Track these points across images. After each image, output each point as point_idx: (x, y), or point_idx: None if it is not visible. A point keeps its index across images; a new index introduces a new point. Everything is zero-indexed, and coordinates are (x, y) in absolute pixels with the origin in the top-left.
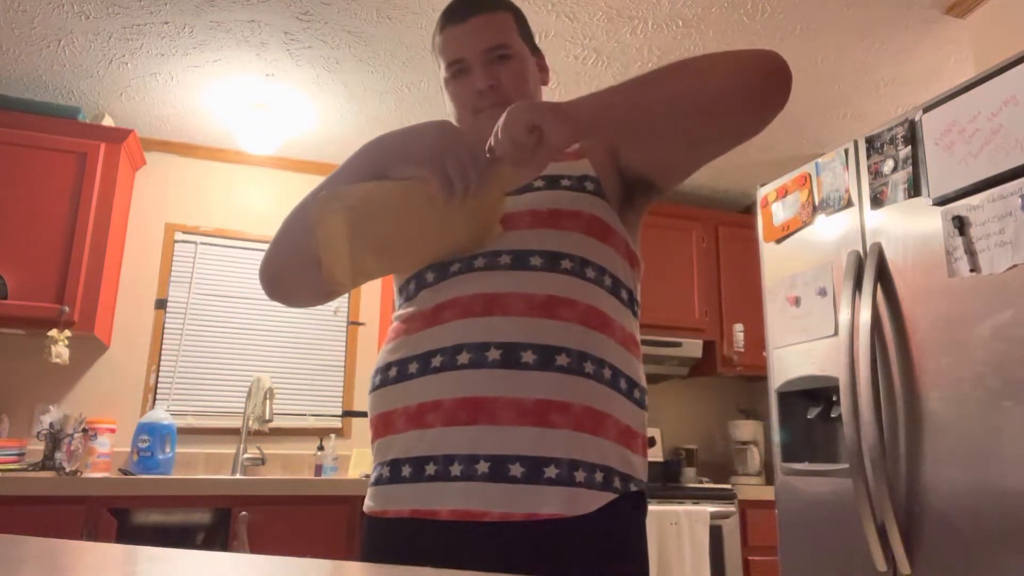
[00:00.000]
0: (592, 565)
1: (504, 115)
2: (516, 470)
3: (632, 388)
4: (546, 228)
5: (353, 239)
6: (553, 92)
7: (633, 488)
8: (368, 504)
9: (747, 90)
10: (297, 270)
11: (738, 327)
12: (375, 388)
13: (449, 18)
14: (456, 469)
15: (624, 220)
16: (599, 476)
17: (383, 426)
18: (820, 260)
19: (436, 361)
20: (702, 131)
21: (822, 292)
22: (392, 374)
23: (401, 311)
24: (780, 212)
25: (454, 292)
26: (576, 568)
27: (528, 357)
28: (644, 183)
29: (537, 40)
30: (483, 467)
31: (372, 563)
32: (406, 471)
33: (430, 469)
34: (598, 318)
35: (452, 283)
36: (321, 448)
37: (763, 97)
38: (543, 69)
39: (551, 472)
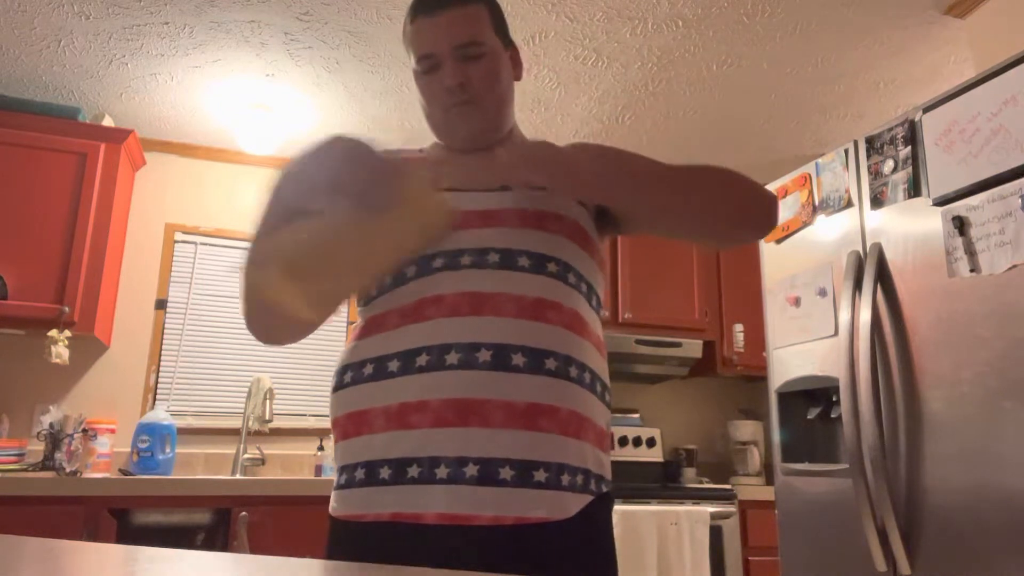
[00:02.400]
0: (574, 567)
1: (513, 154)
2: (506, 473)
3: (604, 391)
4: (532, 229)
5: (298, 285)
6: (553, 92)
7: (604, 489)
8: (336, 508)
9: (737, 227)
10: (276, 322)
11: (738, 327)
12: (345, 385)
13: (420, 9)
14: (442, 472)
15: (596, 226)
16: (580, 479)
17: (354, 426)
18: (820, 260)
19: (422, 360)
20: (679, 234)
21: (822, 292)
22: (368, 371)
23: (373, 306)
24: (780, 212)
25: (438, 289)
26: (560, 570)
27: (519, 360)
28: (612, 220)
29: (537, 40)
30: (472, 470)
31: (371, 564)
32: (385, 473)
33: (413, 471)
34: (579, 322)
35: (436, 279)
36: (321, 448)
37: (745, 236)
38: (517, 63)
39: (540, 476)
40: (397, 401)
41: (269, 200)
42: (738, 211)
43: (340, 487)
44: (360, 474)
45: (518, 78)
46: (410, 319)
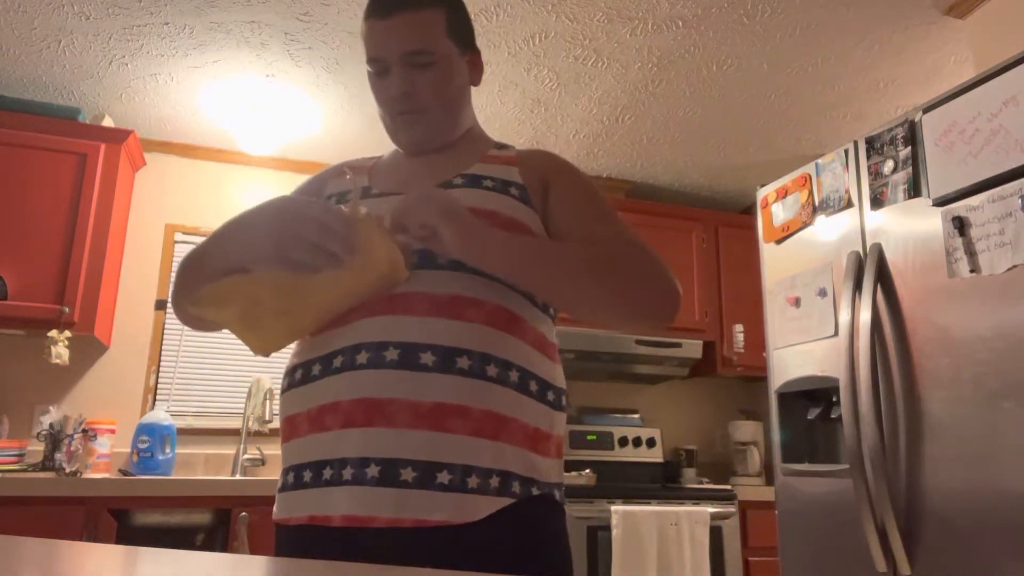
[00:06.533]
0: (481, 571)
1: (408, 201)
2: (408, 474)
3: (545, 390)
4: None
5: (254, 325)
6: (553, 92)
7: (536, 492)
8: (274, 511)
9: (640, 324)
10: (207, 327)
11: (738, 327)
12: (283, 392)
13: (373, 9)
14: (348, 473)
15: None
16: (494, 481)
17: (288, 431)
18: (820, 261)
19: (337, 361)
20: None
21: (822, 293)
22: (298, 377)
23: None
24: (780, 213)
25: None
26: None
27: (427, 358)
28: None
29: (537, 40)
30: (373, 470)
31: (368, 564)
32: (307, 476)
33: (327, 473)
34: (506, 318)
35: None
36: None
37: (644, 331)
38: (476, 69)
39: (444, 478)
40: (316, 404)
41: (209, 246)
42: (646, 314)
43: (277, 491)
44: (290, 478)
45: (475, 83)
46: (336, 323)
